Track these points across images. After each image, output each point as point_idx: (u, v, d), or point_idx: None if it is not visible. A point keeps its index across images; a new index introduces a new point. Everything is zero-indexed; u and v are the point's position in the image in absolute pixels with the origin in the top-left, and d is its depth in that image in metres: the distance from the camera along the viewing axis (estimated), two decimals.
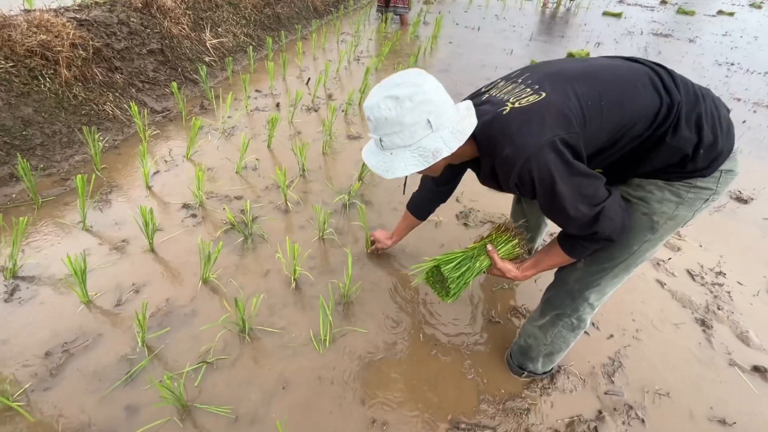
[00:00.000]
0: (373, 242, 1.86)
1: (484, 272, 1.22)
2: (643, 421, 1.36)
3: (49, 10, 2.69)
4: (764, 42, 6.74)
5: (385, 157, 0.98)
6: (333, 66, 4.06)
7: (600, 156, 0.97)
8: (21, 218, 1.64)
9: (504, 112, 0.94)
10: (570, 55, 4.96)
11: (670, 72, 0.95)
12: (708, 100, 0.93)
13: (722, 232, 2.30)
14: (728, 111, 0.97)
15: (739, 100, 4.18)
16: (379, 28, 5.65)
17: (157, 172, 2.32)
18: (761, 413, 1.42)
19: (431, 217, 1.67)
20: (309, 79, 3.74)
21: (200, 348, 1.45)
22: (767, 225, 2.37)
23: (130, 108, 2.52)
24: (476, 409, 1.35)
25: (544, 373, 1.44)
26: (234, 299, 1.42)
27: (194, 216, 2.03)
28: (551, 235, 2.08)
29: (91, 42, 2.65)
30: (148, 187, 2.18)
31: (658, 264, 2.02)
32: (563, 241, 1.05)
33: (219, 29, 3.94)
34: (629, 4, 9.43)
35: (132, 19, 3.09)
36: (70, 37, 2.52)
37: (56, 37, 2.47)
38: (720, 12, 9.18)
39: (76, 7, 2.90)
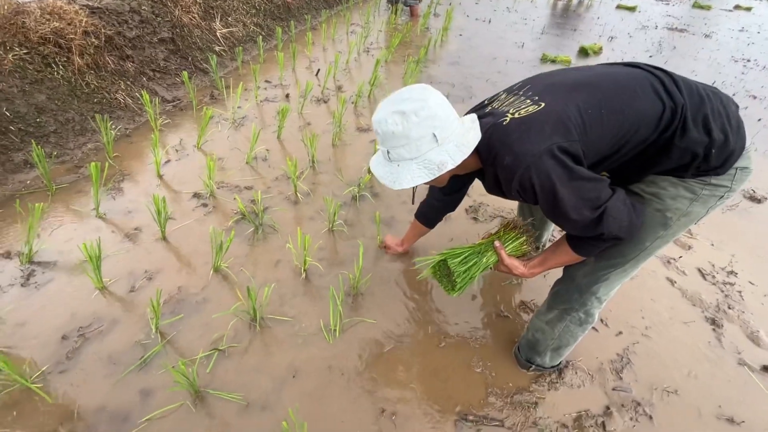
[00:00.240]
0: (383, 246, 1.89)
1: (491, 269, 1.22)
2: (650, 417, 1.37)
3: None
4: None
5: (392, 169, 1.02)
6: (342, 57, 4.03)
7: (605, 162, 0.98)
8: (37, 204, 1.66)
9: (504, 123, 0.96)
10: (582, 50, 4.89)
11: (671, 75, 0.96)
12: (714, 100, 0.93)
13: (735, 230, 2.27)
14: (737, 108, 0.97)
15: (755, 97, 4.10)
16: (389, 19, 5.59)
17: (168, 161, 2.33)
18: None
19: None
20: (318, 70, 3.72)
21: (212, 335, 1.47)
22: None
23: (142, 97, 2.53)
24: (484, 401, 1.36)
25: (552, 367, 1.44)
26: (246, 288, 1.44)
27: (205, 205, 2.05)
28: (560, 231, 2.08)
29: (103, 30, 2.66)
30: (160, 176, 2.19)
31: (668, 262, 2.01)
32: (572, 240, 1.05)
33: (229, 18, 3.92)
34: None
35: (143, 7, 3.08)
36: (83, 24, 2.53)
37: (69, 24, 2.48)
38: (737, 7, 8.97)
39: None
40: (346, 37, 4.81)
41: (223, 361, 1.40)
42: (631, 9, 7.75)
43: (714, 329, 1.69)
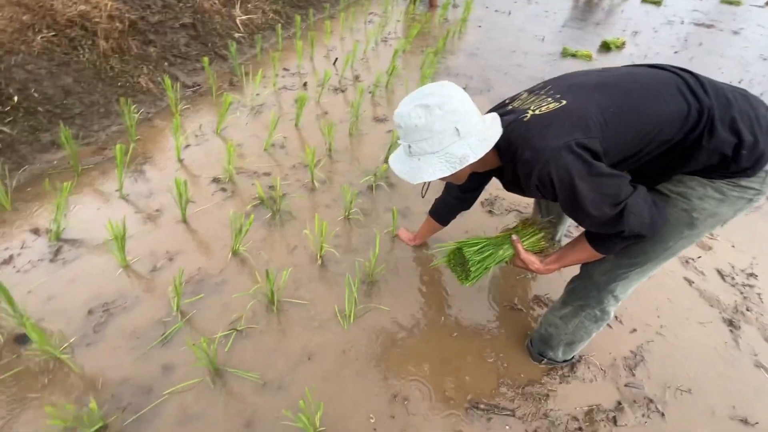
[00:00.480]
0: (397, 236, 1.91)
1: (506, 262, 1.23)
2: (663, 415, 1.37)
3: None
4: None
5: (413, 163, 1.03)
6: (360, 47, 4.01)
7: (628, 161, 0.97)
8: (65, 183, 1.72)
9: (524, 119, 0.97)
10: (604, 44, 4.78)
11: (697, 77, 0.94)
12: (741, 102, 0.91)
13: (756, 232, 2.23)
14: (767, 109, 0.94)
15: None
16: (408, 9, 5.53)
17: (188, 145, 2.37)
18: None
19: None
20: (336, 59, 3.72)
21: (230, 316, 1.51)
22: None
23: (164, 81, 2.57)
24: (495, 391, 1.38)
25: (564, 361, 1.45)
26: (265, 271, 1.47)
27: (224, 190, 2.08)
28: (577, 226, 2.06)
29: (127, 14, 2.70)
30: (180, 160, 2.23)
31: (687, 262, 1.98)
32: (591, 236, 1.04)
33: (249, 5, 3.93)
34: None
35: None
36: (108, 8, 2.57)
37: (95, 8, 2.52)
38: None
39: None
40: (363, 26, 4.78)
41: (241, 341, 1.44)
42: (657, 3, 7.51)
43: (731, 330, 1.67)
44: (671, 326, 1.67)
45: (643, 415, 1.36)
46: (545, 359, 1.43)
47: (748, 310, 1.76)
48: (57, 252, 1.64)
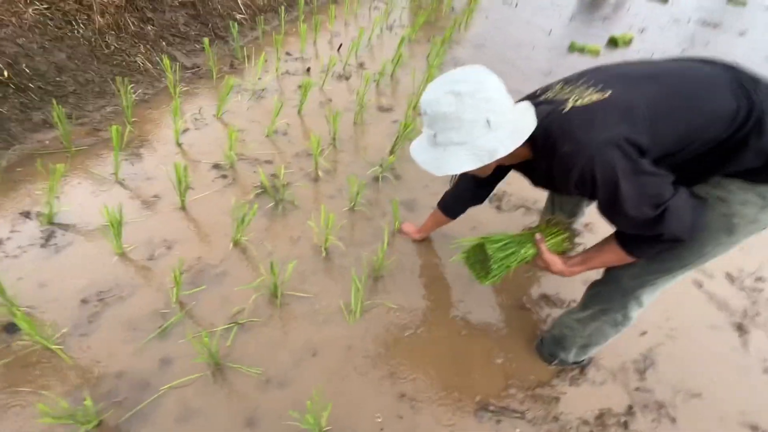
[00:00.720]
0: (400, 230, 1.85)
1: (527, 262, 1.18)
2: (674, 420, 1.34)
3: None
4: None
5: (438, 153, 0.96)
6: (365, 34, 3.90)
7: (668, 159, 0.91)
8: (58, 165, 1.63)
9: (564, 111, 0.90)
10: (612, 40, 4.71)
11: (749, 74, 0.88)
12: None
13: (765, 235, 2.20)
14: None
15: None
16: None
17: (186, 129, 2.28)
18: None
19: None
20: (341, 45, 3.61)
21: (232, 308, 1.45)
22: None
23: (162, 61, 2.46)
24: (505, 393, 1.34)
25: (574, 363, 1.42)
26: (270, 263, 1.41)
27: (225, 177, 2.01)
28: (585, 225, 2.02)
29: None
30: (179, 144, 2.15)
31: None
32: (624, 238, 0.99)
33: None
34: None
35: None
36: None
37: None
38: None
39: None
40: (368, 12, 4.66)
41: (243, 335, 1.39)
42: (663, 0, 7.44)
43: (740, 335, 1.65)
44: (681, 329, 1.64)
45: (653, 420, 1.34)
46: (556, 360, 1.40)
47: (757, 314, 1.74)
48: (49, 237, 1.56)
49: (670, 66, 0.93)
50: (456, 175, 1.22)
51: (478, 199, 1.50)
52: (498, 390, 1.35)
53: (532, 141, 0.96)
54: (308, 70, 3.15)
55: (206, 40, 2.75)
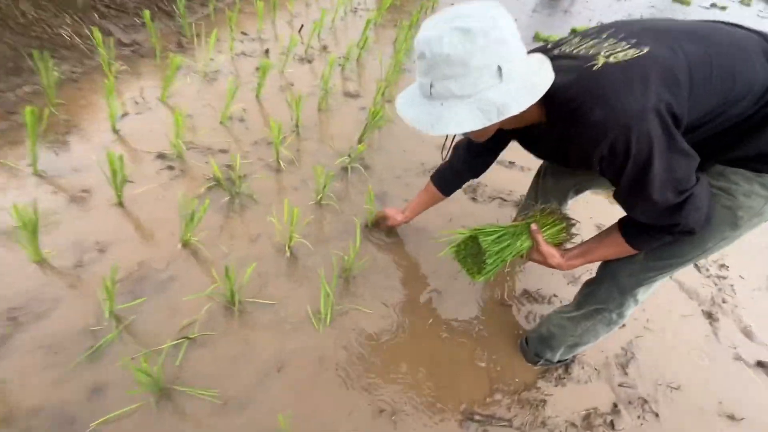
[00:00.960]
0: (378, 220, 1.68)
1: (521, 256, 1.08)
2: (657, 415, 1.31)
3: None
4: None
5: (433, 109, 0.79)
6: (328, 15, 3.67)
7: (689, 136, 0.81)
8: None
9: (594, 68, 0.76)
10: (573, 32, 4.78)
11: None
12: None
13: None
14: None
15: None
16: None
17: (125, 114, 1.99)
18: None
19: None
20: (302, 26, 3.37)
21: (180, 321, 1.25)
22: None
23: (92, 34, 2.13)
24: (490, 399, 1.25)
25: (559, 361, 1.35)
26: (225, 268, 1.22)
27: (171, 168, 1.76)
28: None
29: None
30: (115, 131, 1.86)
31: None
32: (628, 229, 0.90)
33: None
34: None
35: None
36: None
37: None
38: (713, 5, 9.18)
39: None
40: None
41: (195, 352, 1.19)
42: None
43: (710, 323, 1.67)
44: (657, 320, 1.63)
45: (638, 417, 1.30)
46: (541, 360, 1.33)
47: (723, 301, 1.78)
48: None
49: (706, 26, 0.82)
50: (451, 141, 1.05)
51: (475, 172, 1.34)
52: (483, 396, 1.25)
53: (547, 101, 0.80)
54: (267, 51, 2.89)
55: (147, 12, 2.43)
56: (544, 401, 1.27)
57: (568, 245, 1.10)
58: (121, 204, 1.54)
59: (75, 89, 2.06)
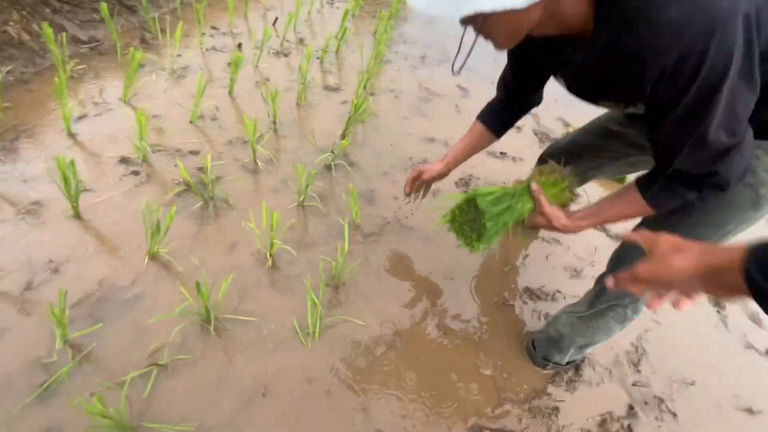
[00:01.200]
0: (414, 179, 1.35)
1: (523, 221, 0.96)
2: (674, 415, 1.23)
3: None
4: None
5: None
6: (303, 7, 3.51)
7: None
8: None
9: None
10: None
11: None
12: None
13: None
14: None
15: None
16: None
17: (83, 116, 1.81)
18: None
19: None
20: (276, 18, 3.19)
21: (149, 345, 1.10)
22: None
23: (43, 32, 1.93)
24: (499, 410, 1.15)
25: (568, 363, 1.26)
26: (196, 283, 1.07)
27: (136, 173, 1.60)
28: None
29: None
30: (72, 135, 1.69)
31: None
32: (650, 185, 0.78)
33: None
34: None
35: None
36: None
37: None
38: None
39: None
40: None
41: (167, 381, 1.05)
42: None
43: (718, 311, 1.61)
44: (663, 311, 1.55)
45: (656, 418, 1.22)
46: (550, 364, 1.23)
47: None
48: None
49: None
50: (464, 61, 0.80)
51: (524, 105, 1.16)
52: (491, 407, 1.15)
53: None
54: (239, 45, 2.72)
55: (104, 6, 2.23)
56: (557, 408, 1.17)
57: (573, 207, 0.98)
58: (78, 216, 1.38)
59: (25, 91, 1.86)
